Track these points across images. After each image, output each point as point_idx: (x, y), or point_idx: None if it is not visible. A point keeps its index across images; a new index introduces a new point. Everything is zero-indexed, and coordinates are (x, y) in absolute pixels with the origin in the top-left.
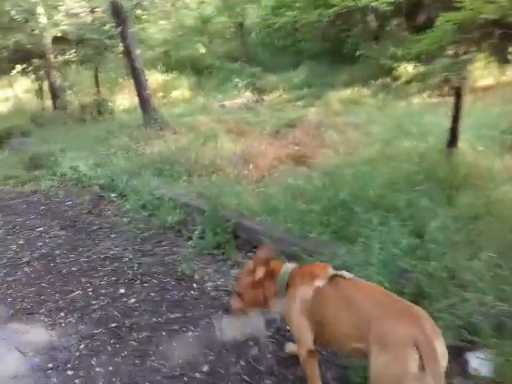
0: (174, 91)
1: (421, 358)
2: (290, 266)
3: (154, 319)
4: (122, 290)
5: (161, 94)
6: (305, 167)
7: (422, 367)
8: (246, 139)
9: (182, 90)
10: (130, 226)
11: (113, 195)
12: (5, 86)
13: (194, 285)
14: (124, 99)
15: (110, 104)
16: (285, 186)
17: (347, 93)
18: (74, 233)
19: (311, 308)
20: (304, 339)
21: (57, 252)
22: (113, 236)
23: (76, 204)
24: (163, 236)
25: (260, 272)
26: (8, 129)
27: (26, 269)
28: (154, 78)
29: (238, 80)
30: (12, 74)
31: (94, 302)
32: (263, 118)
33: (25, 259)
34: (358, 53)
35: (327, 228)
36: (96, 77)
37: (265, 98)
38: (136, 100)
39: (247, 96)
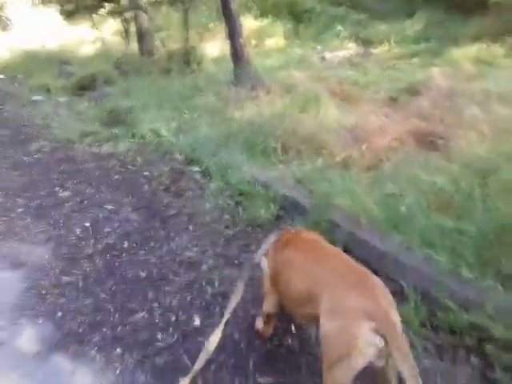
0: (268, 39)
1: (377, 330)
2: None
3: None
4: (196, 321)
5: (253, 41)
6: (437, 153)
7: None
8: (353, 106)
9: (277, 37)
10: (213, 215)
11: (195, 170)
12: (91, 26)
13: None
14: (214, 47)
15: (198, 53)
16: (413, 180)
17: (473, 50)
18: (148, 218)
19: (273, 272)
20: (265, 302)
21: (125, 244)
22: (191, 228)
23: (153, 176)
24: (252, 236)
25: None
26: (92, 75)
27: (86, 265)
28: (247, 24)
29: (340, 28)
30: (98, 13)
31: (160, 337)
32: (372, 78)
33: (86, 251)
34: None
35: (489, 267)
36: (185, 21)
37: (372, 51)
38: (227, 49)
39: (351, 48)
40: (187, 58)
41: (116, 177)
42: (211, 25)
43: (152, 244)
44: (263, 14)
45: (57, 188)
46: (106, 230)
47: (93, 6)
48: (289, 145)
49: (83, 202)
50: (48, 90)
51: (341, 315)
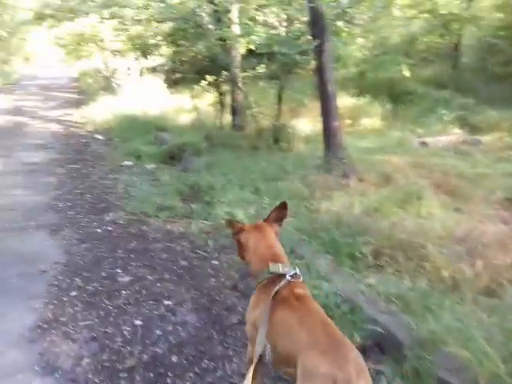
0: (364, 119)
1: None
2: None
3: None
4: None
5: (348, 121)
6: None
7: None
8: (461, 204)
9: (374, 118)
10: None
11: None
12: (190, 96)
13: None
14: (306, 124)
15: (289, 131)
16: None
17: None
18: (207, 323)
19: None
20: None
21: (174, 358)
22: None
23: (222, 267)
24: None
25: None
26: (182, 144)
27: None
28: (343, 101)
29: (444, 112)
30: (200, 85)
31: None
32: (483, 171)
33: (129, 362)
34: None
35: None
36: (279, 97)
37: (480, 138)
38: (320, 128)
39: (456, 134)
40: (276, 136)
41: (183, 263)
42: (305, 100)
43: (205, 364)
44: (361, 92)
45: (119, 270)
46: (158, 333)
47: (195, 78)
48: (382, 250)
49: (141, 292)
50: (139, 157)
51: (310, 381)
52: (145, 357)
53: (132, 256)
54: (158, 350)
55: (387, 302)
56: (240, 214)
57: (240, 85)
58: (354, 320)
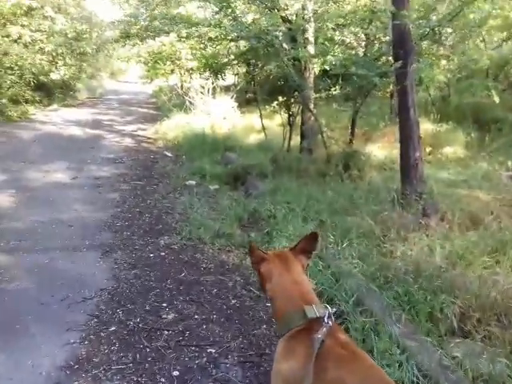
0: (446, 147)
1: None
2: (319, 312)
3: None
4: None
5: (428, 148)
6: None
7: None
8: None
9: (457, 147)
10: None
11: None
12: (259, 116)
13: None
14: (380, 150)
15: (362, 157)
16: None
17: None
18: (254, 381)
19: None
20: None
21: None
22: None
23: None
24: None
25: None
26: (247, 166)
27: None
28: (423, 127)
29: None
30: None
31: None
32: None
33: None
34: None
35: None
36: (353, 121)
37: None
38: (395, 154)
39: None
40: (347, 163)
41: (233, 301)
42: (381, 124)
43: None
44: (443, 118)
45: (164, 304)
46: None
47: (266, 98)
48: (469, 313)
49: (184, 334)
50: (203, 176)
51: None
52: None
53: (181, 288)
54: None
55: (476, 382)
56: None
57: (311, 106)
58: None
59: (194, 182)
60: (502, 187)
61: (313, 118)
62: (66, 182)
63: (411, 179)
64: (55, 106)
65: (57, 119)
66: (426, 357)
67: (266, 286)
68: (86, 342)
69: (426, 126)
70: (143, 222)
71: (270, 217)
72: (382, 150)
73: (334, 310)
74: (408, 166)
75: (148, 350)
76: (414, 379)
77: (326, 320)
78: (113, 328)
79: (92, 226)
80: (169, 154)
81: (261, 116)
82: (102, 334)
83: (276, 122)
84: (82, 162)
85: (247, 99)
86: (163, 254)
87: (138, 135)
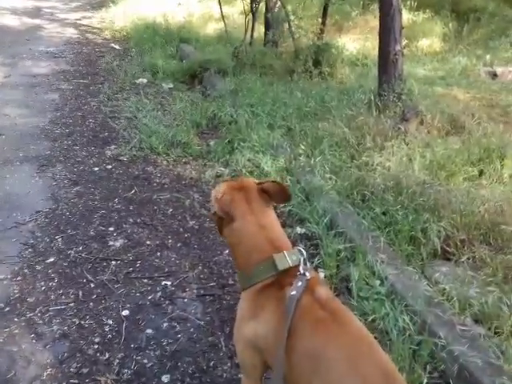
0: (422, 39)
1: None
2: (291, 260)
3: None
4: None
5: (404, 41)
6: None
7: None
8: None
9: (434, 38)
10: None
11: (298, 233)
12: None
13: None
14: (351, 42)
15: (333, 51)
16: None
17: None
18: (213, 323)
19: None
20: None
21: (163, 379)
22: None
23: None
24: None
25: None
26: (205, 61)
27: None
28: None
29: None
30: None
31: None
32: None
33: (102, 381)
34: None
35: None
36: (325, 8)
37: None
38: (369, 47)
39: None
40: (317, 58)
41: (191, 223)
42: (354, 13)
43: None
44: (420, 6)
45: (112, 228)
46: (147, 333)
47: None
48: (453, 234)
49: (134, 265)
50: (155, 73)
51: None
52: (125, 373)
53: (131, 208)
54: (145, 360)
55: (462, 314)
56: (266, 166)
57: None
58: (422, 353)
59: (144, 80)
60: (481, 84)
61: (279, 4)
62: None
63: (389, 77)
64: None
65: None
66: (408, 287)
67: (223, 229)
68: (19, 278)
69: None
70: (86, 129)
71: (230, 123)
72: (354, 42)
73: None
74: (387, 61)
75: (92, 285)
76: (398, 316)
77: (301, 270)
78: (51, 259)
79: (27, 134)
80: (116, 47)
81: (219, 2)
82: (38, 268)
83: (237, 9)
84: (17, 57)
85: None
86: (110, 167)
87: (82, 24)
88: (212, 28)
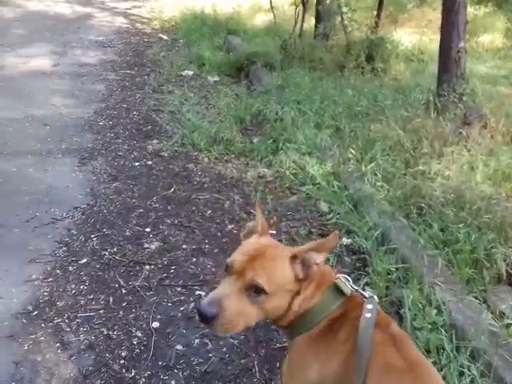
0: (483, 35)
1: None
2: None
3: None
4: None
5: None
6: None
7: None
8: None
9: (496, 34)
10: None
11: (345, 244)
12: None
13: None
14: (408, 36)
15: (387, 46)
16: None
17: None
18: (248, 344)
19: None
20: None
21: None
22: None
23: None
24: None
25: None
26: (252, 54)
27: None
28: None
29: None
30: None
31: None
32: None
33: None
34: None
35: None
36: (380, 1)
37: None
38: (426, 42)
39: None
40: (371, 53)
41: (229, 227)
42: (411, 5)
43: None
44: (481, 0)
45: (147, 230)
46: (177, 349)
47: None
48: None
49: (169, 270)
50: (202, 65)
51: None
52: None
53: (169, 208)
54: (172, 381)
55: None
56: (312, 169)
57: None
58: None
59: (190, 73)
60: None
61: None
62: (45, 69)
63: (450, 76)
64: None
65: None
66: (469, 319)
67: None
68: (51, 279)
69: None
70: (130, 121)
71: (276, 120)
72: (410, 36)
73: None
74: (449, 59)
75: (124, 291)
76: (457, 354)
77: (366, 295)
78: (84, 260)
79: (71, 125)
80: (164, 37)
81: None
82: (71, 269)
83: (287, 0)
84: (67, 46)
85: None
86: (150, 162)
87: (132, 14)
88: (261, 19)
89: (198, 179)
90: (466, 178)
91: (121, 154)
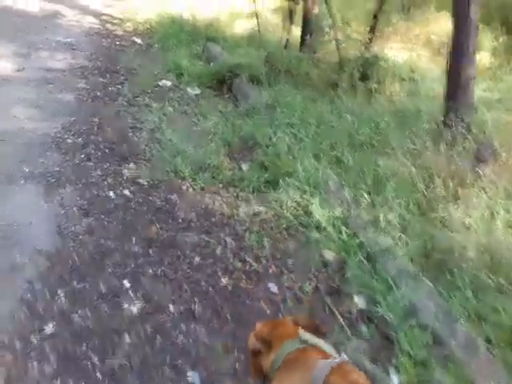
0: None
1: None
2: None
3: None
4: None
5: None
6: None
7: None
8: None
9: (482, 53)
10: None
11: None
12: None
13: None
14: (396, 52)
15: (381, 64)
16: None
17: None
18: None
19: None
20: None
21: None
22: None
23: (283, 298)
24: None
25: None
26: (235, 66)
27: None
28: (440, 27)
29: None
30: None
31: None
32: None
33: None
34: None
35: None
36: (376, 12)
37: None
38: (415, 58)
39: None
40: (364, 72)
41: (223, 281)
42: (394, 17)
43: None
44: None
45: (126, 283)
46: None
47: None
48: None
49: (153, 343)
50: (180, 75)
51: None
52: None
53: (150, 252)
54: None
55: None
56: (317, 213)
57: None
58: None
59: (168, 83)
60: None
61: (318, 6)
62: (7, 74)
63: (458, 104)
64: None
65: None
66: None
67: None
68: (9, 356)
69: (444, 26)
70: (102, 139)
71: (268, 146)
72: (398, 52)
73: None
74: (457, 85)
75: (99, 373)
76: None
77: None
78: (49, 328)
79: (35, 142)
80: (138, 41)
81: None
82: (33, 340)
83: (270, 5)
84: (32, 47)
85: None
86: (127, 192)
87: (104, 14)
88: (241, 27)
89: (182, 215)
90: (487, 226)
91: (93, 180)
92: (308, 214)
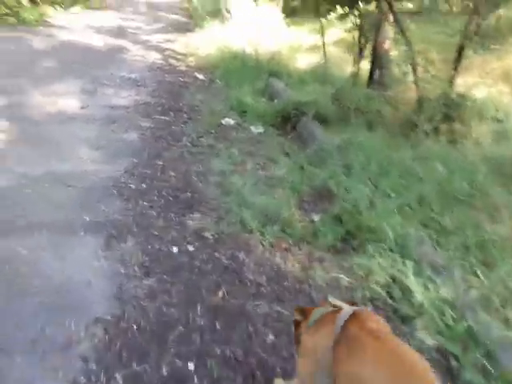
0: None
1: None
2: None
3: None
4: None
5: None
6: None
7: None
8: None
9: None
10: None
11: None
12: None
13: None
14: (474, 87)
15: (467, 104)
16: None
17: None
18: None
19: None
20: None
21: None
22: None
23: None
24: None
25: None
26: (302, 104)
27: None
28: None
29: None
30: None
31: None
32: None
33: None
34: None
35: None
36: (460, 49)
37: None
38: (495, 93)
39: None
40: (447, 114)
41: None
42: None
43: None
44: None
45: (191, 366)
46: None
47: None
48: None
49: None
50: (243, 112)
51: None
52: None
53: (217, 326)
54: None
55: None
56: (417, 291)
57: (388, 24)
58: None
59: (231, 122)
60: None
61: (390, 42)
62: (73, 111)
63: None
64: (78, 8)
65: (76, 25)
66: None
67: None
68: None
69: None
70: (166, 185)
71: (344, 197)
72: (477, 88)
73: None
74: None
75: None
76: None
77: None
78: None
79: (98, 186)
80: (200, 77)
81: (322, 29)
82: None
83: (331, 37)
84: (97, 83)
85: (292, 8)
86: (192, 248)
87: (166, 48)
88: (303, 61)
89: (251, 277)
90: None
91: (156, 233)
92: (404, 288)
